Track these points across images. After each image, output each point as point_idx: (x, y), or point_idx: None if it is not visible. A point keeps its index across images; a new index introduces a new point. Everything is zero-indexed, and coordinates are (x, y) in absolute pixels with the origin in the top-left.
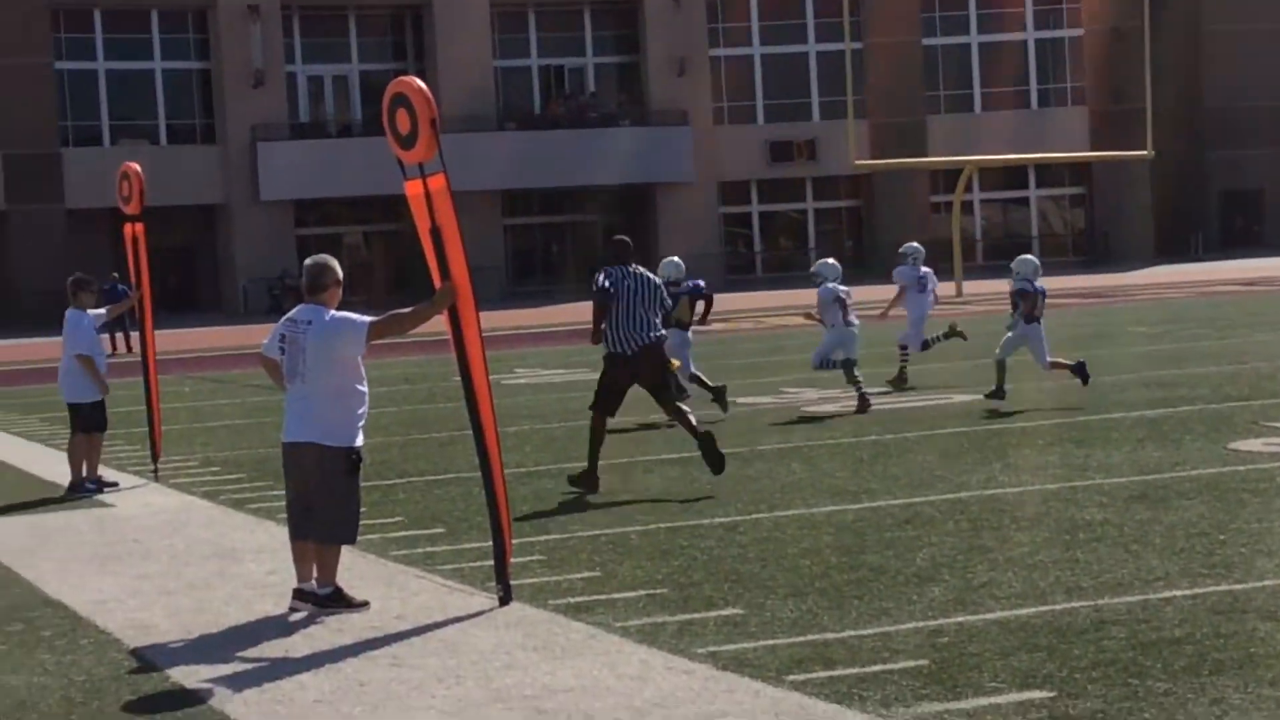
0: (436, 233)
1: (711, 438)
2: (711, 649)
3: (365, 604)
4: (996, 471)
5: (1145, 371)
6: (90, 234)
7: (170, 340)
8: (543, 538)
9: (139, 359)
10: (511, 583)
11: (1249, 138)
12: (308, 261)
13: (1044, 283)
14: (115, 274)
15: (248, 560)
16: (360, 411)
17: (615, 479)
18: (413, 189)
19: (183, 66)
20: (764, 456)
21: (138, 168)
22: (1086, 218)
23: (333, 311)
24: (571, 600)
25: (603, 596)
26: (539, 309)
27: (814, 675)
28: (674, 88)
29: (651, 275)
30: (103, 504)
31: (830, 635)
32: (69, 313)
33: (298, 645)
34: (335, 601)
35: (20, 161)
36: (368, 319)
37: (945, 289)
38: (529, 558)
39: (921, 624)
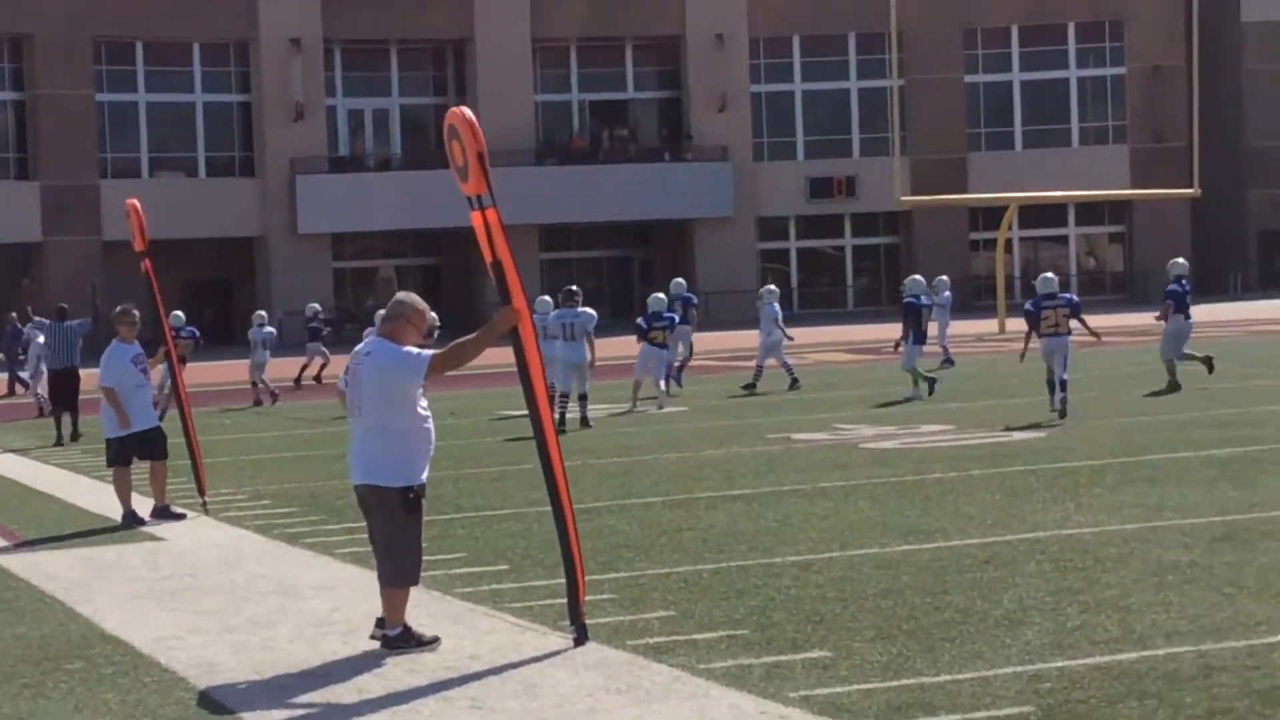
0: (498, 265)
1: None
2: (804, 693)
3: (436, 640)
4: (1071, 511)
5: (1208, 410)
6: (127, 265)
7: (209, 373)
8: (611, 575)
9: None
10: (586, 622)
11: None
12: (395, 295)
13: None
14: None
15: (309, 597)
16: (420, 449)
17: (679, 515)
18: (476, 220)
19: (224, 99)
20: (828, 494)
21: (137, 204)
22: (1125, 256)
23: (392, 344)
24: (650, 641)
25: (682, 637)
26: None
27: None
28: (715, 123)
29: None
30: (154, 537)
31: (926, 680)
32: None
33: (371, 685)
34: (404, 641)
35: (58, 192)
36: (428, 352)
37: (989, 325)
38: (600, 596)
39: (1020, 669)
